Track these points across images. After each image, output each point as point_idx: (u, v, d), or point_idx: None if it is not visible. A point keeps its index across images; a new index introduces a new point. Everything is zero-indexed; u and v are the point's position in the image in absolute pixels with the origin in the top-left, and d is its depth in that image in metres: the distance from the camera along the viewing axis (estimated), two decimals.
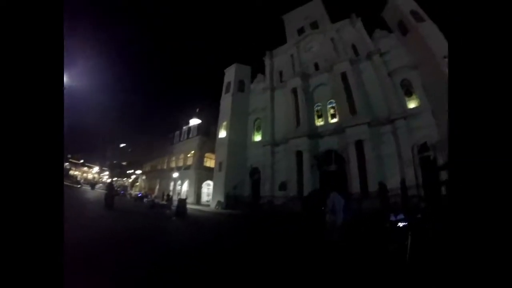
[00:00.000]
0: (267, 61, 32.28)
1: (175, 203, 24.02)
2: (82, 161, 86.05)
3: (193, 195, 36.26)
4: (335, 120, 24.64)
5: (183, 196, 38.99)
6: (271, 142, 26.73)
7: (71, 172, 73.17)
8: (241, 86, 33.30)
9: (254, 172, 28.03)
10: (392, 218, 6.87)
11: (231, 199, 26.34)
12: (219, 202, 26.98)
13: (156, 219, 14.79)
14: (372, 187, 19.30)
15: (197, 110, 48.61)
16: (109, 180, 69.99)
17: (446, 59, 19.81)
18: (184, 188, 40.65)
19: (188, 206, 27.14)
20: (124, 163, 78.29)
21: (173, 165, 45.47)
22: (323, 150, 23.83)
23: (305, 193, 21.48)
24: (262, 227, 13.96)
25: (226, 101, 32.55)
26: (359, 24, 26.89)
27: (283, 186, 24.22)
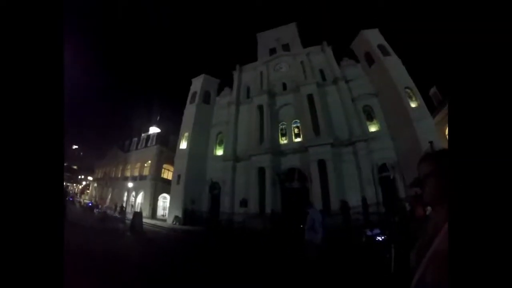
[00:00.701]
0: (236, 75, 31.98)
1: (128, 216, 22.08)
2: None
3: (148, 208, 33.77)
4: (299, 139, 24.91)
5: (137, 208, 36.36)
6: (233, 157, 25.87)
7: None
8: (206, 98, 32.27)
9: (214, 187, 26.68)
10: (369, 233, 6.97)
11: (189, 214, 24.65)
12: (176, 217, 25.10)
13: (108, 235, 13.07)
14: (334, 204, 19.58)
15: (158, 118, 46.57)
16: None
17: (408, 90, 21.50)
18: (139, 199, 37.93)
19: (143, 220, 25.15)
20: (74, 167, 73.51)
21: (128, 174, 42.35)
22: (285, 168, 23.71)
23: (267, 210, 21.22)
24: (228, 246, 12.85)
25: (189, 111, 31.17)
26: (329, 51, 28.24)
27: (244, 203, 23.31)
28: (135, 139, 43.85)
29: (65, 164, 74.26)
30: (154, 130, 43.28)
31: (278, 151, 24.31)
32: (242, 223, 21.09)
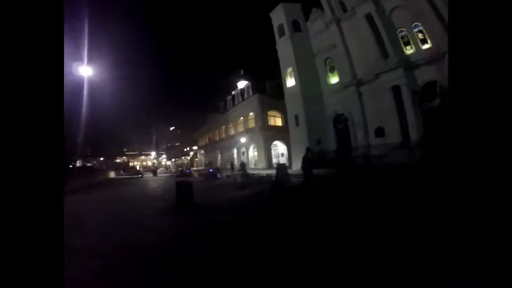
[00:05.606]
0: None
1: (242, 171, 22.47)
2: (137, 152, 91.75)
3: (264, 160, 34.41)
4: (426, 46, 20.47)
5: (251, 162, 37.76)
6: (355, 82, 23.03)
7: (131, 164, 77.49)
8: (296, 26, 28.96)
9: (339, 120, 24.73)
10: None
11: (318, 156, 23.62)
12: None
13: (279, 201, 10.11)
14: None
15: (241, 72, 45.89)
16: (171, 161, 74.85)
17: None
18: (250, 153, 39.25)
19: (261, 171, 24.93)
20: (177, 144, 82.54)
21: (232, 132, 44.18)
22: (421, 83, 20.08)
23: (413, 137, 18.64)
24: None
25: (284, 45, 28.86)
26: None
27: (380, 132, 20.97)
28: (229, 97, 44.82)
29: (168, 145, 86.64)
30: (242, 84, 42.74)
31: (407, 64, 20.67)
32: (381, 157, 19.12)
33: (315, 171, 20.54)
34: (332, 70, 26.25)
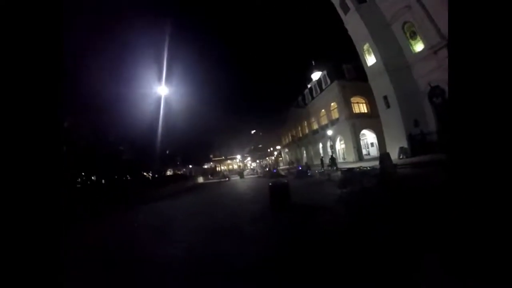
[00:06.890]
0: None
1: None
2: (223, 157, 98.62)
3: (353, 152, 32.73)
4: None
5: (339, 155, 36.56)
6: (444, 43, 19.25)
7: (218, 169, 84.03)
8: None
9: (435, 93, 21.22)
10: None
11: (418, 140, 21.07)
12: (402, 148, 22.29)
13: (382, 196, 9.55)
14: None
15: (313, 63, 45.66)
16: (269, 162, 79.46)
17: None
18: (338, 146, 38.02)
19: (352, 165, 23.52)
20: (260, 145, 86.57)
21: (315, 126, 43.47)
22: None
23: None
24: None
25: (353, 21, 26.77)
26: None
27: None
28: (306, 91, 44.69)
29: (251, 147, 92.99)
30: (317, 75, 42.28)
31: None
32: None
33: (416, 158, 18.73)
34: (413, 35, 22.79)
